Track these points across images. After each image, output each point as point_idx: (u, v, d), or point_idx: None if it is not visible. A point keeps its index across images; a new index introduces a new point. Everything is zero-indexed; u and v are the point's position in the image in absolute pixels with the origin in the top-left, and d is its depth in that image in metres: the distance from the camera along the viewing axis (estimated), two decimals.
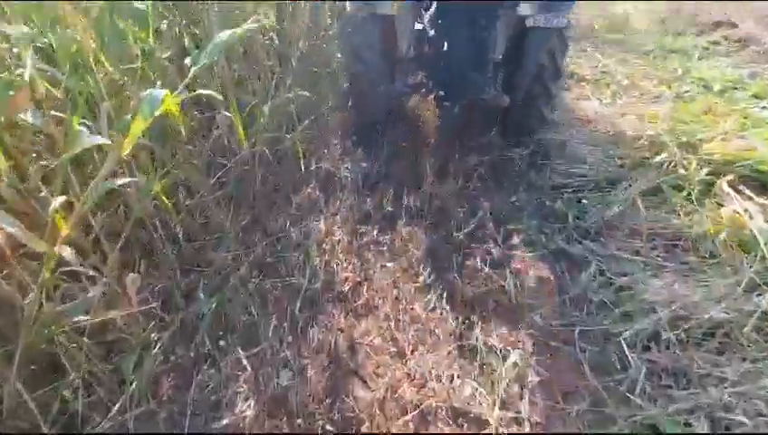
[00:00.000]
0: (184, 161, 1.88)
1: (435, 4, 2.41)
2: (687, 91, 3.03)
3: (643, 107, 2.83)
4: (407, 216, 2.13)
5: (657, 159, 2.17)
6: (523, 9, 1.94)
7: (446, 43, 2.34)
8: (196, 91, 1.37)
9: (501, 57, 2.35)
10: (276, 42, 2.67)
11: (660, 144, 2.26)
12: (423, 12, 2.61)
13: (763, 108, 2.79)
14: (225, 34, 1.19)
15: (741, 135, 2.40)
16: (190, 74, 1.20)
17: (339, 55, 3.42)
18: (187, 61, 1.60)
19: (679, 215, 1.95)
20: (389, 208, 2.18)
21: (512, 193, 2.24)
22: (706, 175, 2.11)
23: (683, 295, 1.50)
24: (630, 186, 2.08)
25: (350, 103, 2.80)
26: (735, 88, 3.17)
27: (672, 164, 2.16)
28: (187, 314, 1.61)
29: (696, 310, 1.45)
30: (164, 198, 1.65)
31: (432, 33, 2.45)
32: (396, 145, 2.67)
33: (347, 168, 2.50)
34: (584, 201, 2.06)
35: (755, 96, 3.05)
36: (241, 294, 1.74)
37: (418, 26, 2.57)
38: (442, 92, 2.50)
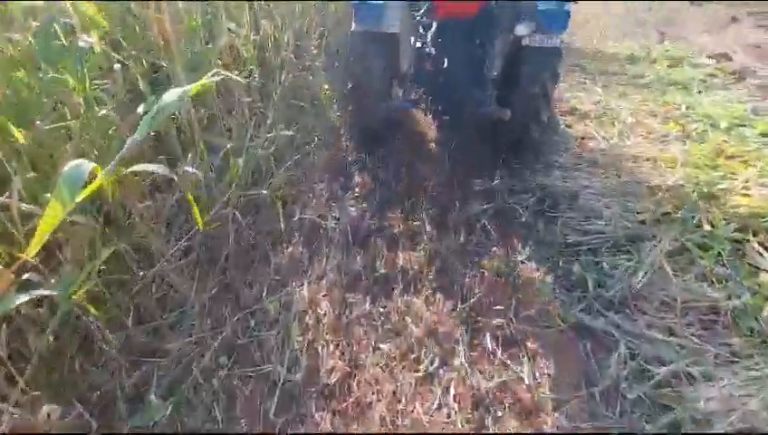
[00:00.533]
0: (140, 221, 1.58)
1: (435, 24, 2.54)
2: (695, 129, 2.88)
3: (653, 148, 2.65)
4: (403, 280, 1.85)
5: (680, 213, 1.96)
6: (519, 30, 2.01)
7: (446, 61, 2.48)
8: (135, 167, 1.06)
9: (496, 74, 2.43)
10: (256, 75, 2.42)
11: (681, 196, 2.06)
12: (423, 31, 2.72)
13: None
14: (173, 94, 0.91)
15: (762, 182, 2.23)
16: (126, 148, 0.91)
17: (326, 87, 3.19)
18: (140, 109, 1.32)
19: (712, 282, 1.72)
20: (383, 270, 1.90)
21: (520, 250, 1.99)
22: (734, 231, 1.91)
23: (740, 402, 1.25)
24: (654, 245, 1.85)
25: (351, 121, 2.76)
26: (742, 125, 3.03)
27: (695, 218, 1.95)
28: (132, 430, 1.28)
29: (759, 422, 1.20)
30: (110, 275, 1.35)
31: (432, 50, 2.56)
32: (390, 187, 2.42)
33: (335, 216, 2.23)
34: (605, 265, 1.82)
35: (763, 134, 2.92)
36: (203, 392, 1.42)
37: (418, 44, 2.68)
38: (442, 107, 2.67)
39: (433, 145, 2.95)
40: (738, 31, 5.85)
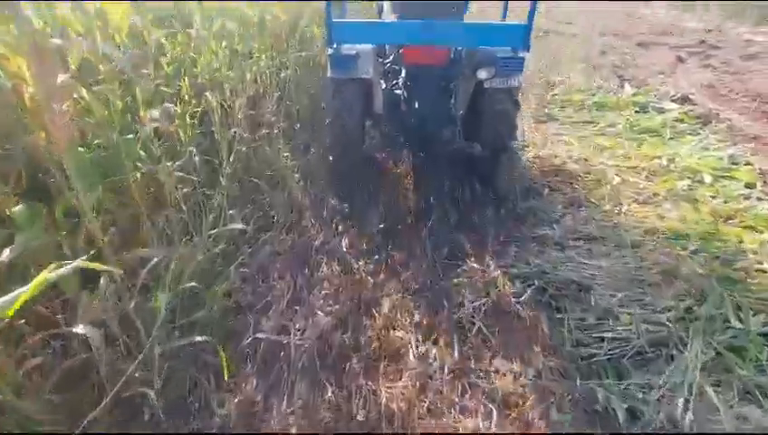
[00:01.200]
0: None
1: (404, 70, 2.69)
2: (682, 187, 2.73)
3: (648, 213, 2.45)
4: (389, 425, 1.44)
5: (703, 308, 1.70)
6: (481, 75, 2.26)
7: (416, 102, 2.66)
8: None
9: (462, 113, 2.69)
10: (196, 158, 2.03)
11: (699, 283, 1.81)
12: (393, 75, 2.90)
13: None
14: None
15: None
16: None
17: (286, 155, 2.85)
18: None
19: (760, 400, 1.42)
20: (361, 414, 1.48)
21: (527, 362, 1.64)
22: (764, 325, 1.65)
23: None
24: (682, 352, 1.55)
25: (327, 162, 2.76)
26: (725, 176, 2.94)
27: (721, 313, 1.69)
28: None
29: None
30: None
31: (403, 93, 2.74)
32: (366, 282, 2.04)
33: (298, 329, 1.80)
34: (632, 386, 1.49)
35: (747, 185, 2.83)
36: None
37: (390, 87, 2.85)
38: (414, 145, 2.84)
39: (411, 204, 2.64)
40: (687, 71, 6.14)
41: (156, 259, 1.53)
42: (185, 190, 1.83)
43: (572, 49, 7.13)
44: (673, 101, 4.44)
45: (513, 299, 1.90)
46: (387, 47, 2.91)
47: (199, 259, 1.75)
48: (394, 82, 2.83)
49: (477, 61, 2.26)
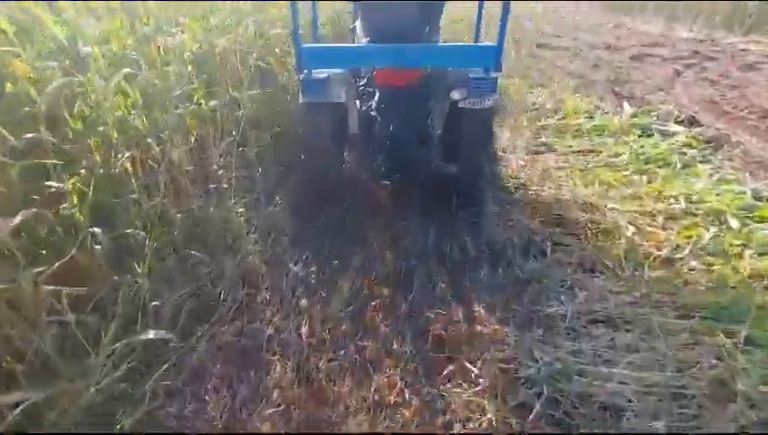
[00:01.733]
0: None
1: (378, 91, 2.64)
2: (708, 237, 2.32)
3: (676, 278, 2.02)
4: None
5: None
6: (454, 96, 2.23)
7: (391, 123, 2.58)
8: None
9: (440, 133, 2.67)
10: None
11: (764, 405, 1.37)
12: (368, 97, 2.81)
13: None
14: None
15: None
16: None
17: (240, 211, 2.41)
18: None
19: None
20: None
21: None
22: None
23: None
24: None
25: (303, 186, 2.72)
26: (751, 217, 2.54)
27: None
28: None
29: None
30: None
31: (378, 115, 2.66)
32: (326, 397, 1.58)
33: None
34: None
35: None
36: None
37: (364, 109, 2.76)
38: (391, 167, 2.73)
39: (390, 266, 2.22)
40: (685, 85, 5.83)
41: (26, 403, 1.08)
42: (75, 294, 1.37)
43: (564, 63, 6.83)
44: (678, 122, 4.08)
45: (515, 419, 1.44)
46: (361, 69, 2.88)
47: (94, 391, 1.29)
48: (369, 103, 2.76)
49: (450, 82, 2.28)
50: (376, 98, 2.68)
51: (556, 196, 2.76)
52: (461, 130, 2.35)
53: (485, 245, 2.34)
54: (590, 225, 2.43)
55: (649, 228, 2.39)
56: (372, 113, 2.67)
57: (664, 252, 2.19)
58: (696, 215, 2.52)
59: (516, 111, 4.60)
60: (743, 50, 7.77)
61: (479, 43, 2.43)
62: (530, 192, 2.84)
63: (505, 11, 2.04)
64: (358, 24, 2.83)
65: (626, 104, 4.65)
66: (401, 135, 2.57)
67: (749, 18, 9.31)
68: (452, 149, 2.53)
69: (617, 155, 3.40)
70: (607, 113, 4.47)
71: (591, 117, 4.31)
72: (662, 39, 8.77)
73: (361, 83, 2.87)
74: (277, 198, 2.72)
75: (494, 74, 2.18)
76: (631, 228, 2.35)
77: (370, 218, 2.58)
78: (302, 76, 2.18)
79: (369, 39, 2.47)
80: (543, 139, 3.76)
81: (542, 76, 5.91)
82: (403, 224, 2.52)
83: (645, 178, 2.98)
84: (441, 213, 2.56)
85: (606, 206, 2.62)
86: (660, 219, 2.49)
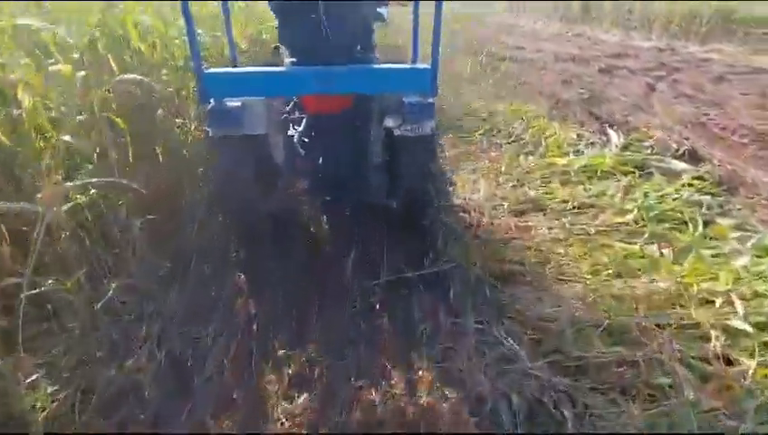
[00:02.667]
0: None
1: (305, 120, 2.40)
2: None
3: None
4: None
5: None
6: (388, 122, 2.04)
7: (322, 156, 2.33)
8: None
9: (380, 162, 2.41)
10: None
11: None
12: (296, 124, 2.50)
13: None
14: None
15: None
16: None
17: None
18: None
19: None
20: None
21: None
22: None
23: None
24: None
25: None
26: None
27: None
28: None
29: None
30: None
31: (310, 143, 2.37)
32: None
33: None
34: None
35: None
36: None
37: (293, 139, 2.41)
38: (328, 199, 2.48)
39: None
40: (663, 102, 5.34)
41: None
42: None
43: (532, 79, 6.21)
44: (676, 157, 3.44)
45: None
46: None
47: None
48: (297, 132, 2.43)
49: (384, 107, 2.14)
50: (304, 127, 2.39)
51: (557, 296, 1.92)
52: (396, 160, 2.13)
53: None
54: (620, 362, 1.58)
55: (702, 363, 1.58)
56: (302, 145, 2.35)
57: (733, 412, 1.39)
58: (752, 325, 1.75)
59: (489, 145, 3.84)
60: (705, 60, 7.54)
61: (411, 66, 2.03)
62: (522, 301, 1.95)
63: (437, 22, 1.76)
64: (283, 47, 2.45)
65: (611, 132, 3.99)
66: (334, 167, 2.30)
67: (704, 26, 9.27)
68: (394, 181, 2.27)
69: (621, 213, 2.64)
70: (593, 144, 3.78)
71: (578, 151, 3.60)
72: (624, 49, 8.44)
73: (287, 110, 2.57)
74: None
75: (430, 99, 1.95)
76: (679, 367, 1.53)
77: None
78: (208, 106, 1.87)
79: (293, 59, 2.12)
80: (527, 188, 2.97)
81: (511, 94, 5.23)
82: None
83: (669, 253, 2.22)
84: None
85: (629, 313, 1.81)
86: (711, 337, 1.70)
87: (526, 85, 5.90)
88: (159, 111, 2.48)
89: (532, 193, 2.87)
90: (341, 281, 2.05)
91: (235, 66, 2.43)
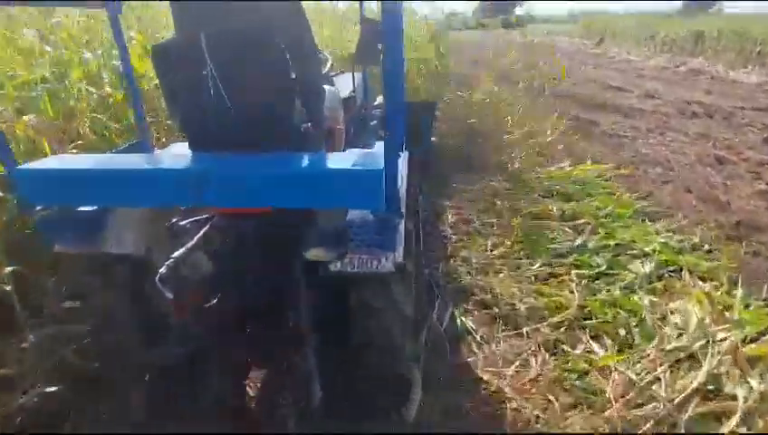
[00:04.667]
0: None
1: (209, 227, 1.52)
2: None
3: None
4: None
5: None
6: (310, 253, 1.23)
7: (228, 278, 1.45)
8: None
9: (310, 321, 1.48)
10: None
11: None
12: (187, 236, 1.67)
13: None
14: None
15: None
16: None
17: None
18: None
19: None
20: None
21: None
22: None
23: None
24: None
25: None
26: None
27: None
28: None
29: None
30: None
31: (209, 262, 1.48)
32: None
33: None
34: None
35: None
36: None
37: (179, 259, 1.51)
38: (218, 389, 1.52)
39: None
40: (641, 149, 4.31)
41: None
42: None
43: (653, 149, 4.56)
44: (673, 232, 2.91)
45: None
46: None
47: None
48: (195, 243, 1.49)
49: (314, 229, 1.28)
50: (202, 239, 1.47)
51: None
52: (336, 320, 1.36)
53: None
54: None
55: None
56: (201, 262, 1.47)
57: None
58: None
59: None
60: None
61: (351, 165, 1.18)
62: None
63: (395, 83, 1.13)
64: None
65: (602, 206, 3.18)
66: (244, 294, 1.45)
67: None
68: (330, 330, 1.43)
69: (627, 327, 1.95)
70: (588, 232, 2.84)
71: (568, 231, 2.91)
72: None
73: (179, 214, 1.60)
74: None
75: (396, 219, 1.25)
76: None
77: None
78: (38, 211, 1.30)
79: (187, 139, 1.46)
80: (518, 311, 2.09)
81: (632, 190, 3.42)
82: None
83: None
84: None
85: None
86: None
87: (645, 165, 3.71)
88: None
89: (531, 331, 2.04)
90: None
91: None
